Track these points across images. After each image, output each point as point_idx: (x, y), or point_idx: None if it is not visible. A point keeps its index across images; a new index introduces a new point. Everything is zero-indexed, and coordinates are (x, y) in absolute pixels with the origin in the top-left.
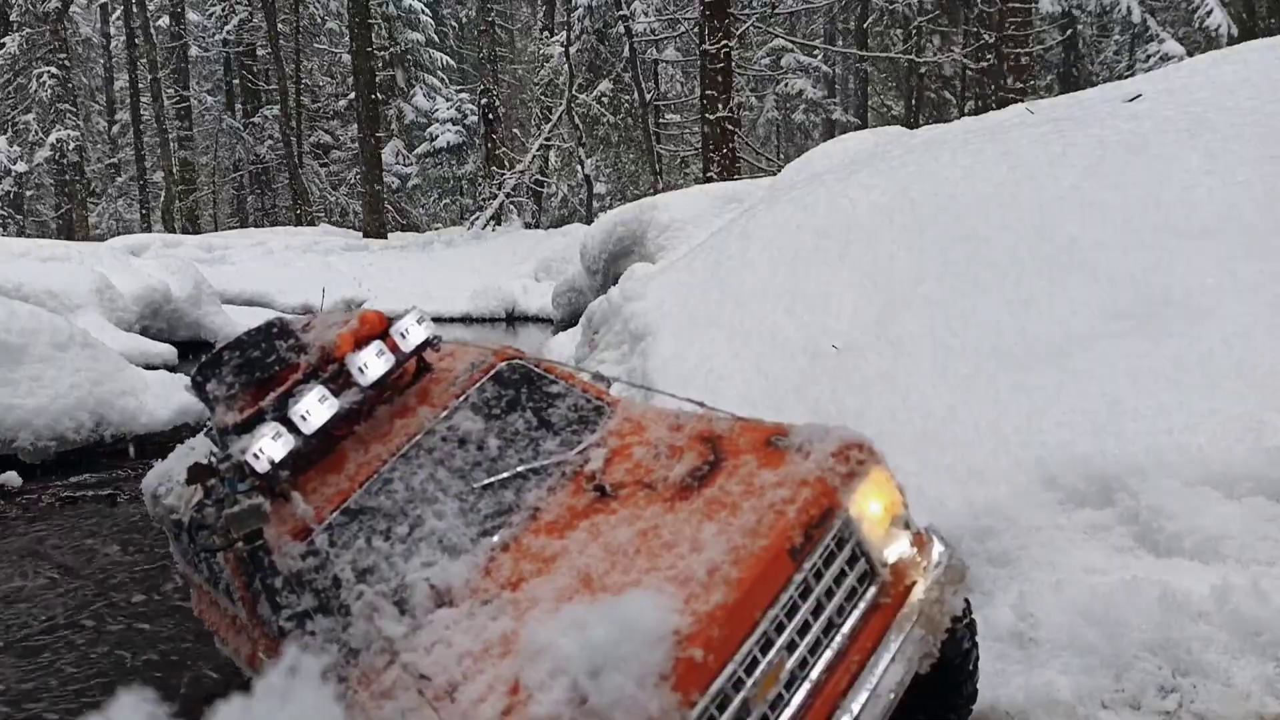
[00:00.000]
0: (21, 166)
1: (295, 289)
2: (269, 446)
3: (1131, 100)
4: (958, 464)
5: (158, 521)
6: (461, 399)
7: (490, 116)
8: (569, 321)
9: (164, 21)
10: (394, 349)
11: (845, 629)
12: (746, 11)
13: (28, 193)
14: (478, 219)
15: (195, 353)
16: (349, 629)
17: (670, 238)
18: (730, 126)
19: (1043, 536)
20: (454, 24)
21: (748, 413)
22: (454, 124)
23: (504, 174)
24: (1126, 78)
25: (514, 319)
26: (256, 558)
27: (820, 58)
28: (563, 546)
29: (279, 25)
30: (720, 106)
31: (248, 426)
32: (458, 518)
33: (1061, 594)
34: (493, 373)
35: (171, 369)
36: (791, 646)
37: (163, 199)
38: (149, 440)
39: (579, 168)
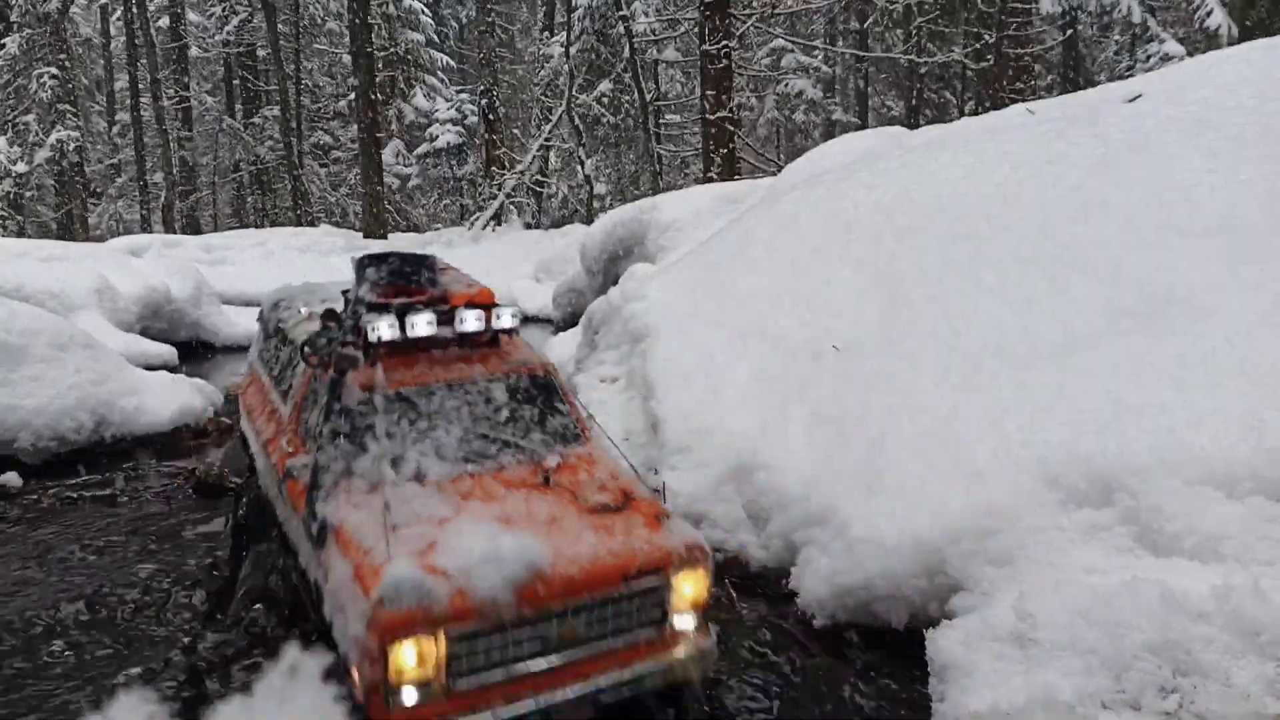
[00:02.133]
0: (22, 167)
1: None
2: (384, 329)
3: (1132, 100)
4: (959, 464)
5: (262, 321)
6: (503, 375)
7: (490, 117)
8: (569, 322)
9: (164, 22)
10: (487, 320)
11: (630, 636)
12: (747, 11)
13: (28, 193)
14: (478, 219)
15: (195, 354)
16: (358, 458)
17: (670, 238)
18: (730, 127)
19: (1043, 537)
20: (454, 24)
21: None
22: (454, 124)
23: (504, 174)
24: (1127, 78)
25: None
26: (335, 385)
27: (820, 58)
28: (504, 495)
29: (279, 26)
30: (720, 107)
31: (377, 309)
32: (454, 440)
33: (1062, 594)
34: (528, 372)
35: (172, 369)
36: (599, 620)
37: (163, 199)
38: (149, 441)
39: (579, 168)
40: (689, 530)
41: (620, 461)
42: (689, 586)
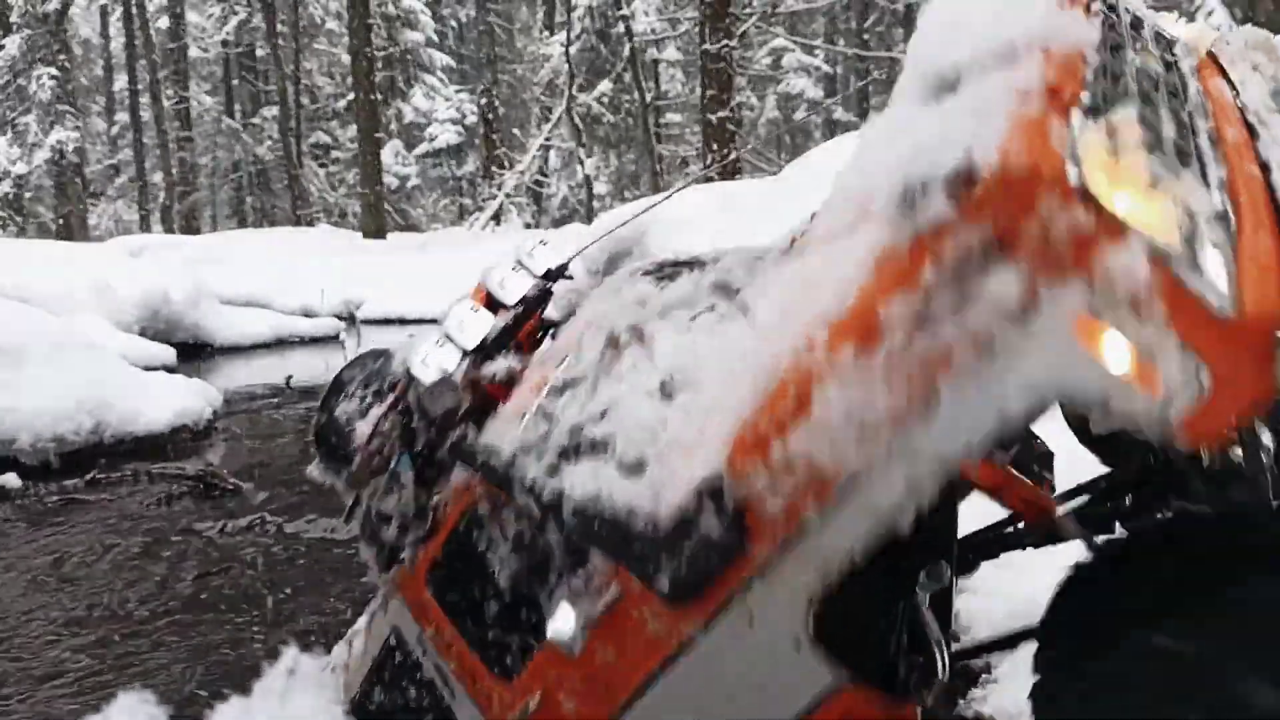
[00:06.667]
0: (21, 168)
1: (294, 290)
2: (438, 361)
3: None
4: None
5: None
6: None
7: (490, 117)
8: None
9: (163, 22)
10: (523, 266)
11: None
12: (747, 11)
13: (27, 194)
14: (478, 219)
15: (194, 354)
16: None
17: (670, 238)
18: (731, 127)
19: None
20: (454, 24)
21: None
22: (453, 124)
23: (504, 174)
24: None
25: None
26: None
27: (821, 57)
28: None
29: (278, 26)
30: (720, 107)
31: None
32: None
33: None
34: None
35: (171, 370)
36: None
37: (162, 200)
38: (149, 442)
39: (579, 168)
40: None
41: None
42: None
